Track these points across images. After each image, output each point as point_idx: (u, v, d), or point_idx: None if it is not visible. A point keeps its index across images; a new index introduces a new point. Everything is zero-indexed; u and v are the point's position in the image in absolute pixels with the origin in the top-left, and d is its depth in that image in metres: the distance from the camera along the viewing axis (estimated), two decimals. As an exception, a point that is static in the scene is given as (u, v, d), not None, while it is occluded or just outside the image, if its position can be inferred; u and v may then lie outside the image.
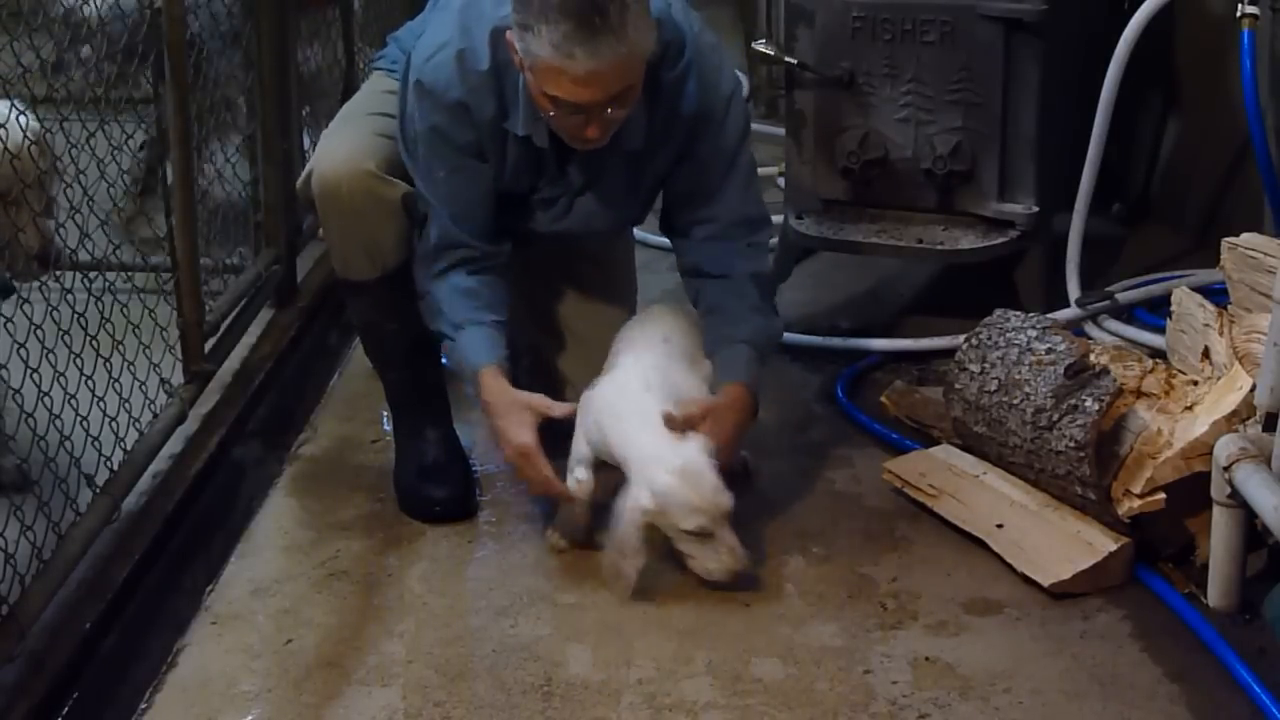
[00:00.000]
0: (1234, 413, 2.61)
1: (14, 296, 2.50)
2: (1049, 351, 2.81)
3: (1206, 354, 2.81)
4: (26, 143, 2.55)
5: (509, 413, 2.76)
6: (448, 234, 2.84)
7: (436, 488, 2.98)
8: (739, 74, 3.49)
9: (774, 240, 3.85)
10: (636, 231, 3.41)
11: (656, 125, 2.80)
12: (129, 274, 3.07)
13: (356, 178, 2.85)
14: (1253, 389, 2.57)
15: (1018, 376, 2.82)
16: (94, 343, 2.74)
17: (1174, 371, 2.87)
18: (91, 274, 2.79)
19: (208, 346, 3.17)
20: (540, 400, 2.79)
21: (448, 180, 2.83)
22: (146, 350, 2.96)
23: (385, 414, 3.22)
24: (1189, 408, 2.71)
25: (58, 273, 2.73)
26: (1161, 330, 3.17)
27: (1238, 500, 2.49)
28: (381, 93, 2.98)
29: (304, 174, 3.01)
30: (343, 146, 2.91)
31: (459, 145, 2.80)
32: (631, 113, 2.70)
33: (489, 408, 2.79)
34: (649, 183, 2.94)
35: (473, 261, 2.87)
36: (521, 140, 2.79)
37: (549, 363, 3.18)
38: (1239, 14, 3.41)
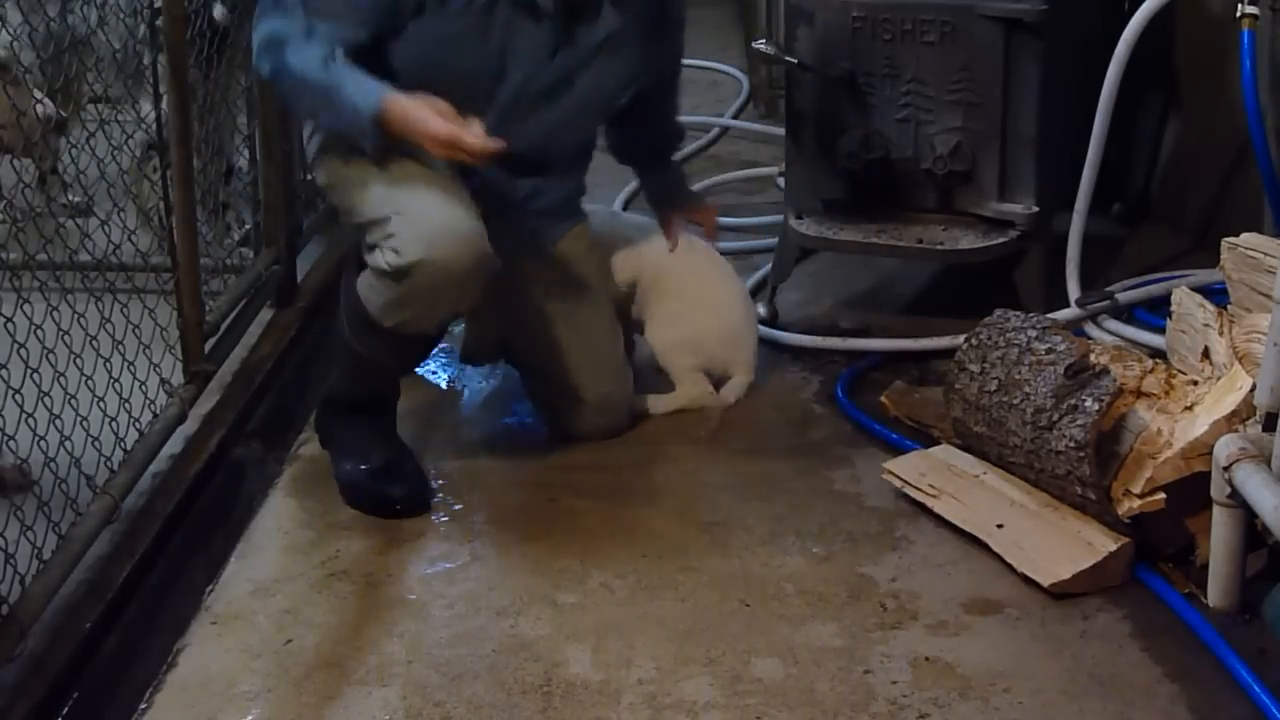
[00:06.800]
0: (1234, 413, 2.61)
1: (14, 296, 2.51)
2: (1049, 351, 2.81)
3: (1206, 354, 2.81)
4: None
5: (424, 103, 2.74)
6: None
7: (394, 486, 2.95)
8: (739, 74, 3.50)
9: (774, 240, 3.88)
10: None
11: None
12: (129, 274, 3.06)
13: (482, 261, 2.78)
14: (1253, 389, 2.57)
15: (1018, 376, 2.82)
16: (94, 343, 2.74)
17: (1174, 371, 2.87)
18: (91, 274, 2.79)
19: (208, 347, 3.17)
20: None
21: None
22: (146, 350, 2.96)
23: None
24: (1189, 408, 2.71)
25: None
26: (1161, 330, 3.17)
27: (1238, 500, 2.49)
28: None
29: (390, 245, 2.75)
30: (454, 221, 2.75)
31: None
32: None
33: (405, 110, 2.71)
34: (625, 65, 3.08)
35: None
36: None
37: (559, 379, 3.17)
38: (1239, 14, 3.41)
